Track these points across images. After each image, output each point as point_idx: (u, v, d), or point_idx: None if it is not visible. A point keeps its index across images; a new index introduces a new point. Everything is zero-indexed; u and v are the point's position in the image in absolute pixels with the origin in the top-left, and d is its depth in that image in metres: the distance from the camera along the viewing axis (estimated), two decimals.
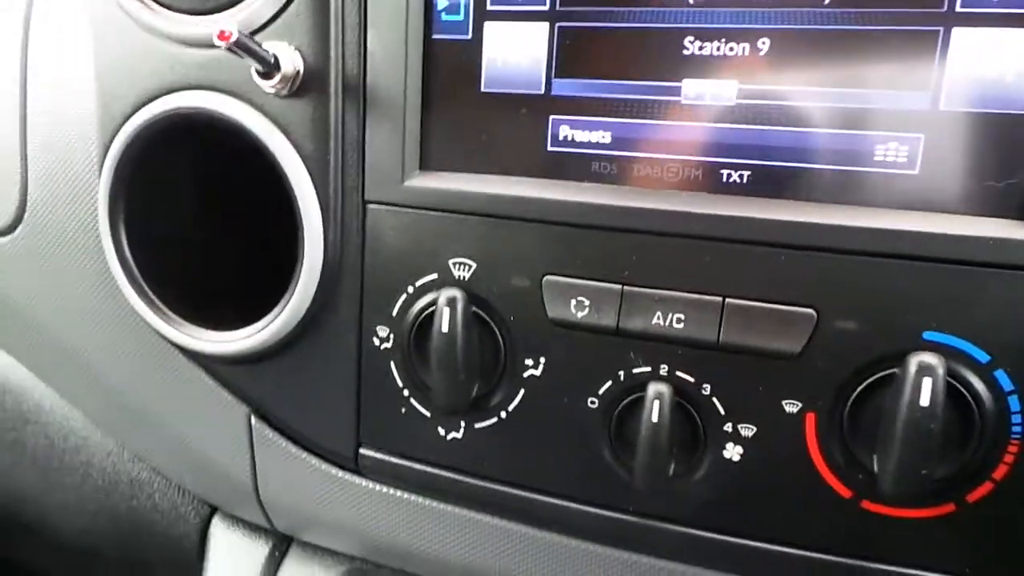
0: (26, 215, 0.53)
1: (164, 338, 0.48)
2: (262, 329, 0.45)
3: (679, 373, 0.37)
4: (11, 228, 0.53)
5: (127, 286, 0.47)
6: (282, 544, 0.56)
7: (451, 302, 0.40)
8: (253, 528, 0.57)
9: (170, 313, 0.48)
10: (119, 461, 0.60)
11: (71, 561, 0.70)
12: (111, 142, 0.45)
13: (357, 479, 0.47)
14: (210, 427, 0.51)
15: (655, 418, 0.37)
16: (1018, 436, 0.34)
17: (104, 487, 0.61)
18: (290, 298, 0.44)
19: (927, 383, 0.33)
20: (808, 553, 0.38)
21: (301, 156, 0.42)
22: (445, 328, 0.39)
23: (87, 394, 0.57)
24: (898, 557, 0.37)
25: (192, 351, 0.48)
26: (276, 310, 0.45)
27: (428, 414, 0.43)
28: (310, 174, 0.42)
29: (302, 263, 0.43)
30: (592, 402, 0.40)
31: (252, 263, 0.50)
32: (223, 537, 0.57)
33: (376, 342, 0.44)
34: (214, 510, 0.59)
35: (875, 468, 0.35)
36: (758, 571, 0.39)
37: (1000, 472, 0.35)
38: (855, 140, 0.34)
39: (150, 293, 0.48)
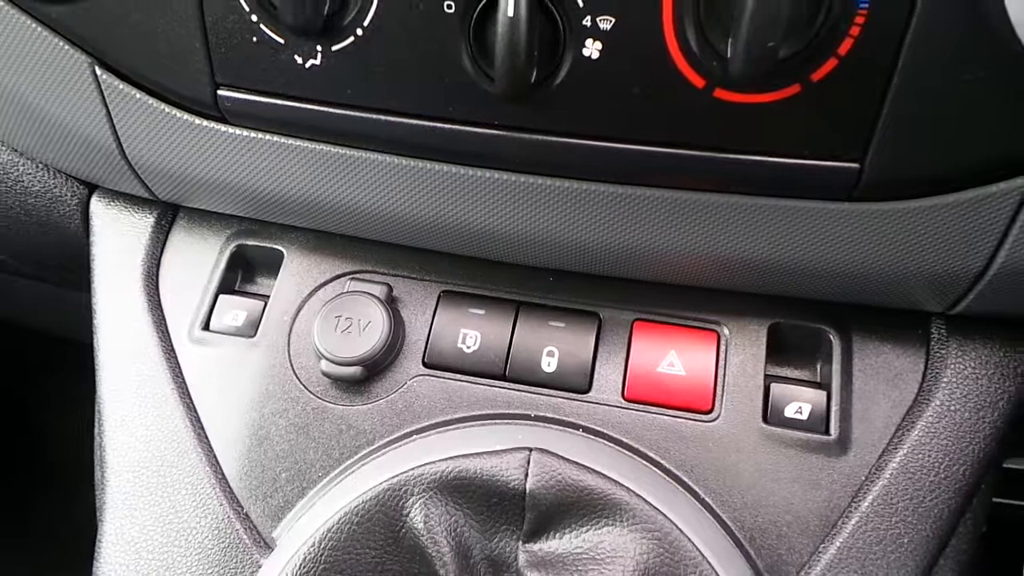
0: None
1: None
2: None
3: None
4: None
5: None
6: (167, 214, 0.55)
7: None
8: (135, 201, 0.56)
9: None
10: None
11: None
12: None
13: (223, 127, 0.46)
14: (56, 85, 0.47)
15: (511, 11, 0.35)
16: (865, 5, 0.34)
17: None
18: None
19: None
20: (659, 149, 0.39)
21: None
22: None
23: None
24: (748, 144, 0.38)
25: None
26: None
27: (282, 41, 0.41)
28: None
29: None
30: (448, 6, 0.37)
31: None
32: (104, 213, 0.56)
33: None
34: (92, 189, 0.57)
35: (727, 52, 0.35)
36: (618, 172, 0.41)
37: (845, 46, 0.35)
38: None
39: None
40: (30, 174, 0.57)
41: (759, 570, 0.41)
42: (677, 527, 0.39)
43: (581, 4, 0.36)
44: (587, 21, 0.36)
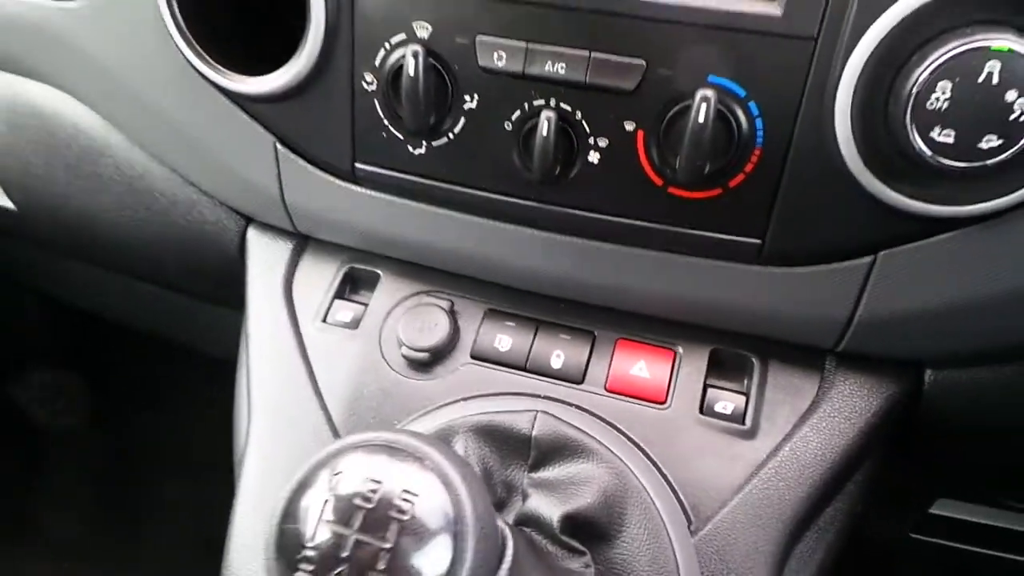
0: None
1: (209, 81, 0.67)
2: (283, 74, 0.64)
3: (561, 104, 0.58)
4: None
5: (180, 40, 0.65)
6: (302, 242, 0.79)
7: (415, 55, 0.58)
8: (279, 232, 0.79)
9: (212, 61, 0.66)
10: (175, 185, 0.81)
11: (140, 268, 0.94)
12: None
13: (355, 187, 0.69)
14: (247, 153, 0.71)
15: (545, 133, 0.58)
16: (760, 144, 0.55)
17: (166, 206, 0.83)
18: (303, 50, 0.63)
19: (703, 107, 0.53)
20: (635, 222, 0.61)
21: None
22: (411, 73, 0.59)
23: (150, 130, 0.76)
24: (690, 223, 0.60)
25: (230, 91, 0.67)
26: (292, 60, 0.64)
27: (401, 137, 0.64)
28: None
29: (310, 23, 0.61)
30: (507, 125, 0.60)
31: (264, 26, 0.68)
32: (258, 240, 0.80)
33: (364, 85, 0.63)
34: (249, 221, 0.81)
35: (676, 165, 0.57)
36: (608, 234, 0.62)
37: (749, 166, 0.56)
38: None
39: (196, 45, 0.66)
40: (208, 208, 0.81)
41: (685, 508, 0.60)
42: (630, 469, 0.59)
43: (588, 130, 0.58)
44: (591, 140, 0.59)
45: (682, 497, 0.60)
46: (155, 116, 0.74)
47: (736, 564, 0.58)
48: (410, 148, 0.64)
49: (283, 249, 0.79)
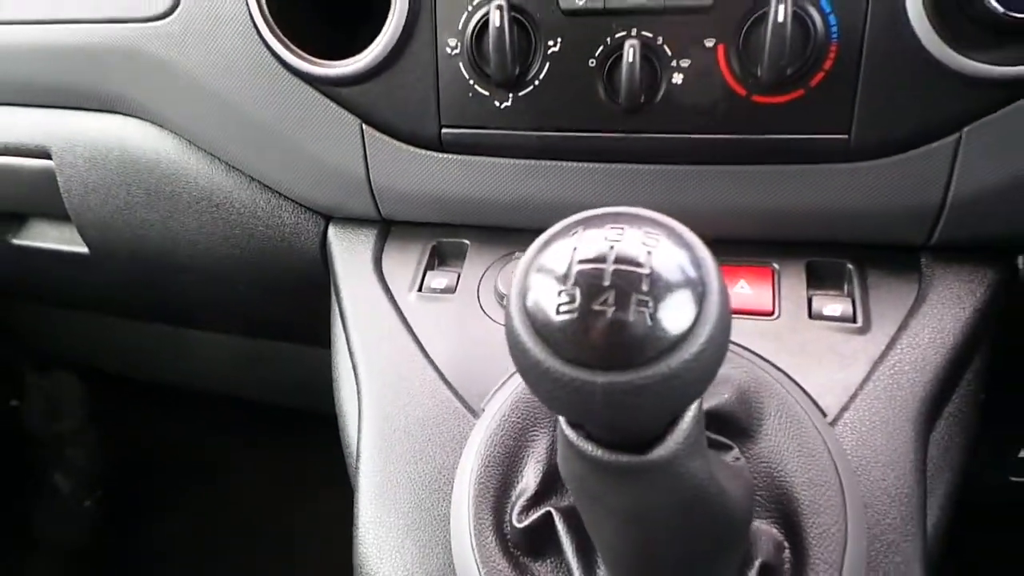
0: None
1: (294, 71, 0.72)
2: (369, 54, 0.69)
3: (643, 32, 0.62)
4: (170, 11, 0.76)
5: (268, 34, 0.70)
6: (385, 228, 0.81)
7: (499, 8, 0.63)
8: (361, 223, 0.82)
9: (300, 51, 0.71)
10: (254, 193, 0.84)
11: (215, 288, 0.96)
12: None
13: (442, 154, 0.72)
14: (333, 140, 0.75)
15: (631, 59, 0.62)
16: (836, 39, 0.59)
17: (246, 217, 0.86)
18: (388, 30, 0.68)
19: (781, 7, 0.57)
20: (722, 136, 0.64)
21: None
22: (497, 25, 0.63)
23: (234, 138, 0.80)
24: (776, 130, 0.63)
25: (318, 78, 0.71)
26: (377, 40, 0.69)
27: (487, 93, 0.68)
28: None
29: (394, 2, 0.66)
30: (591, 62, 0.64)
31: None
32: (340, 235, 0.82)
33: (448, 50, 0.68)
34: (328, 221, 0.84)
35: (758, 72, 0.61)
36: (693, 156, 0.65)
37: (828, 63, 0.60)
38: None
39: (284, 38, 0.71)
40: (288, 211, 0.84)
41: (816, 403, 0.60)
42: (759, 367, 0.59)
43: (670, 53, 0.62)
44: (673, 63, 0.63)
45: (811, 394, 0.60)
46: (240, 120, 0.78)
47: (880, 449, 0.57)
48: (496, 103, 0.68)
49: (367, 237, 0.81)
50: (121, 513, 1.62)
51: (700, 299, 0.31)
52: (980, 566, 1.08)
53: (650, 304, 0.29)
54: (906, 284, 0.67)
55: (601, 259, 0.30)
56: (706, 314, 0.31)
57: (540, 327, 0.31)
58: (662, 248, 0.31)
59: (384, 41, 0.68)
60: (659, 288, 0.29)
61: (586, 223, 0.33)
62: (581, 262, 0.30)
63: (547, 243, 0.33)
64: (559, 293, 0.30)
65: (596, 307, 0.30)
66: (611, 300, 0.29)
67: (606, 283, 0.29)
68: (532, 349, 0.32)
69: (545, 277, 0.32)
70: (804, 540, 0.52)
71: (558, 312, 0.30)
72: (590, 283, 0.30)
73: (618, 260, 0.30)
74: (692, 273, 0.31)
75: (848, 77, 0.60)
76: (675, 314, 0.30)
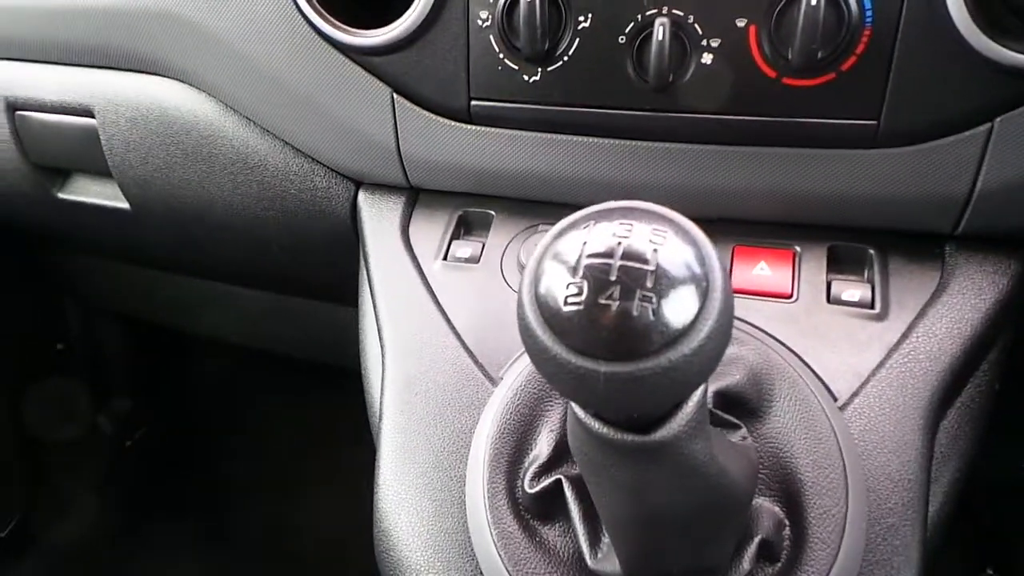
0: None
1: (328, 39, 0.73)
2: (401, 24, 0.70)
3: (674, 10, 0.62)
4: None
5: (303, 1, 0.72)
6: (413, 195, 0.83)
7: None
8: (390, 190, 0.84)
9: (333, 19, 0.72)
10: (288, 157, 0.86)
11: (249, 246, 0.99)
12: None
13: (470, 126, 0.73)
14: (363, 108, 0.76)
15: (660, 37, 0.62)
16: (870, 23, 0.59)
17: (279, 179, 0.88)
18: (420, 1, 0.68)
19: None
20: (750, 118, 0.64)
21: None
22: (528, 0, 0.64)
23: (267, 103, 0.81)
24: (805, 113, 0.62)
25: (351, 46, 0.72)
26: (409, 11, 0.69)
27: (516, 67, 0.68)
28: None
29: None
30: (621, 39, 0.64)
31: None
32: (369, 200, 0.84)
33: (479, 23, 0.68)
34: (358, 187, 0.86)
35: (789, 55, 0.60)
36: (720, 136, 0.65)
37: (860, 47, 0.59)
38: None
39: (318, 5, 0.72)
40: (320, 177, 0.86)
41: (828, 387, 0.61)
42: (772, 348, 0.61)
43: (700, 32, 0.62)
44: (704, 42, 0.62)
45: (823, 378, 0.61)
46: (274, 86, 0.79)
47: (887, 435, 0.58)
48: (525, 77, 0.68)
49: (396, 204, 0.83)
50: (156, 454, 1.70)
51: (703, 296, 0.32)
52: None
53: (653, 300, 0.31)
54: (928, 272, 0.67)
55: (609, 254, 0.31)
56: (708, 311, 0.32)
57: (549, 316, 0.33)
58: (668, 245, 0.32)
59: (416, 12, 0.69)
60: (663, 284, 0.31)
61: (599, 216, 0.34)
62: (590, 256, 0.32)
63: (562, 233, 0.35)
64: (568, 285, 0.32)
65: (602, 300, 0.31)
66: (616, 295, 0.31)
67: (612, 278, 0.31)
68: (540, 335, 0.34)
69: (557, 266, 0.34)
70: (804, 519, 0.53)
71: (566, 303, 0.32)
72: (597, 277, 0.31)
73: (625, 256, 0.31)
74: (696, 270, 0.32)
75: (880, 63, 0.59)
76: (677, 310, 0.32)
